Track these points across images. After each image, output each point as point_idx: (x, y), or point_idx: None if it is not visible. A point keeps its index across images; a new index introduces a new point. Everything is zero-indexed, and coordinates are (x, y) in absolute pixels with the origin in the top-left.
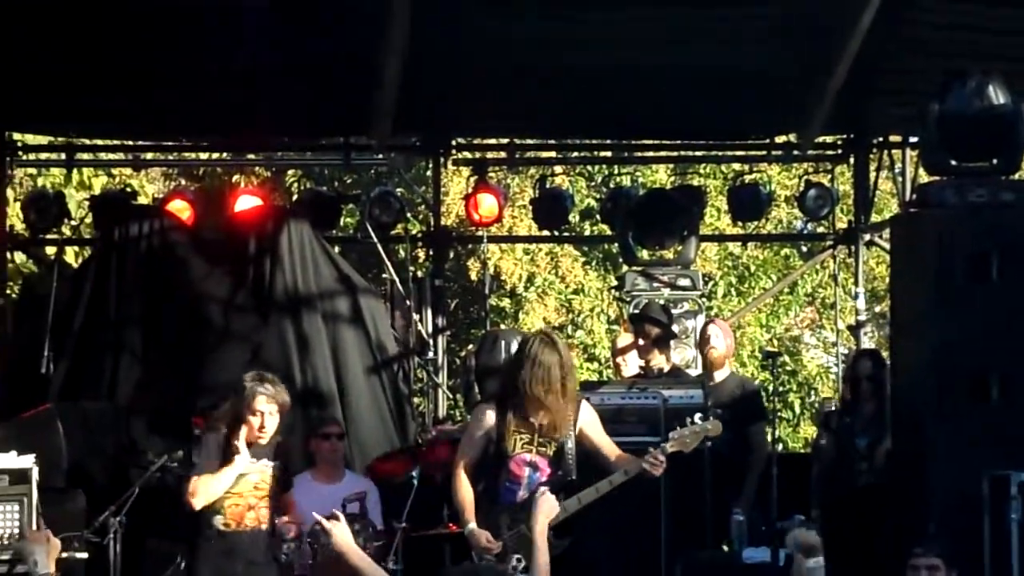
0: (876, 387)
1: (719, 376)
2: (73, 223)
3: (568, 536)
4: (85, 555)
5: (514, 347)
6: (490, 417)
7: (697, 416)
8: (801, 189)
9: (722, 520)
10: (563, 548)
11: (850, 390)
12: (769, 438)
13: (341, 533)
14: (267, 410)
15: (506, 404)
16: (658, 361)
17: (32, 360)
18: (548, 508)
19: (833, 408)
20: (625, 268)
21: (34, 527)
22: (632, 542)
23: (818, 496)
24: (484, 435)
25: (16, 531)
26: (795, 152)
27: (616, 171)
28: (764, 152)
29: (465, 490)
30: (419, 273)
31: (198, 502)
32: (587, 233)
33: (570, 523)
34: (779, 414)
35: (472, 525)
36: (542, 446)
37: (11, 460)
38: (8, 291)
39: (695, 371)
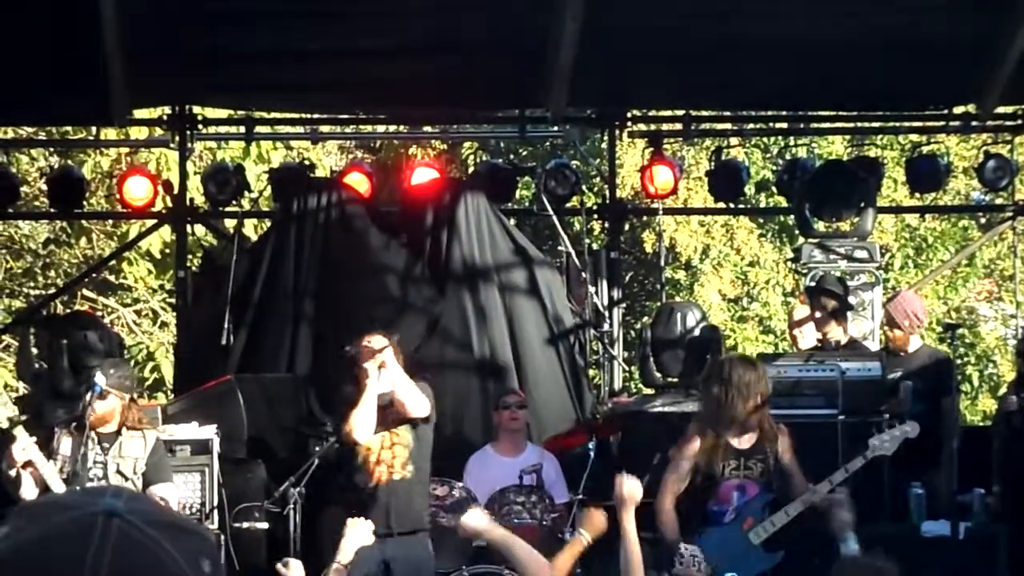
0: None
1: (911, 347)
2: (252, 196)
3: (779, 550)
4: (266, 525)
5: (690, 320)
6: (696, 444)
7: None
8: (980, 160)
9: (901, 493)
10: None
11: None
12: None
13: (471, 521)
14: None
15: (711, 430)
16: (835, 333)
17: (213, 332)
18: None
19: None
20: (801, 240)
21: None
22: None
23: (999, 471)
24: (691, 462)
25: (198, 501)
26: (974, 123)
27: (792, 142)
28: (942, 123)
29: (675, 530)
30: (594, 245)
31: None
32: (763, 205)
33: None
34: (959, 387)
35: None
36: (748, 468)
37: (193, 431)
38: (189, 264)
39: (872, 343)
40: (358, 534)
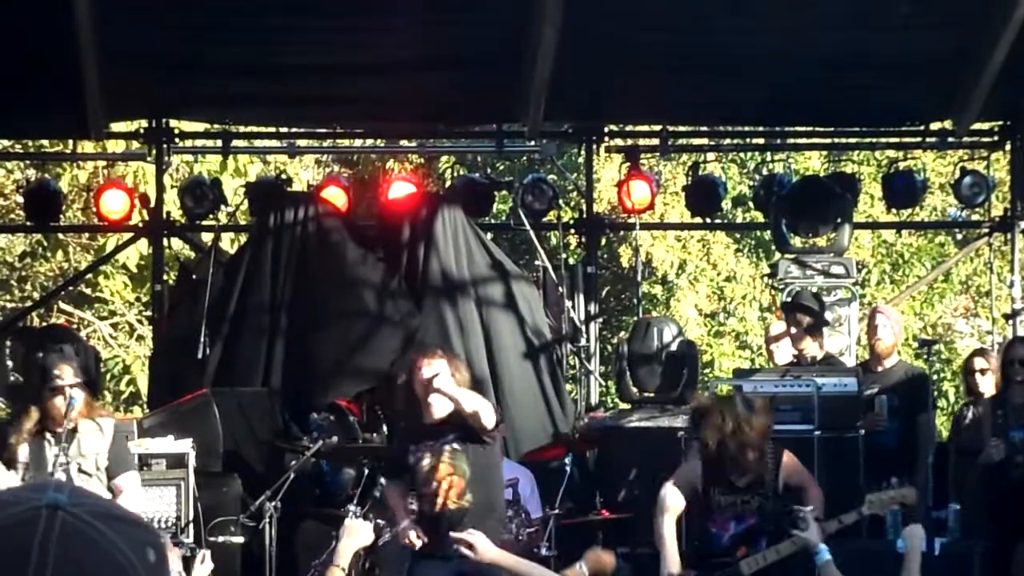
0: None
1: (888, 363)
2: (229, 210)
3: None
4: (241, 539)
5: (667, 335)
6: (696, 471)
7: (894, 480)
8: (956, 176)
9: None
10: None
11: (1001, 376)
12: None
13: (483, 546)
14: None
15: (709, 465)
16: (811, 349)
17: (189, 345)
18: None
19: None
20: (778, 255)
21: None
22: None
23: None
24: (690, 487)
25: (173, 515)
26: (950, 139)
27: (769, 158)
28: (919, 139)
29: (670, 537)
30: (571, 260)
31: None
32: (739, 220)
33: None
34: (935, 403)
35: (674, 571)
36: (746, 503)
37: (168, 445)
38: (166, 277)
39: (849, 359)
40: (356, 535)
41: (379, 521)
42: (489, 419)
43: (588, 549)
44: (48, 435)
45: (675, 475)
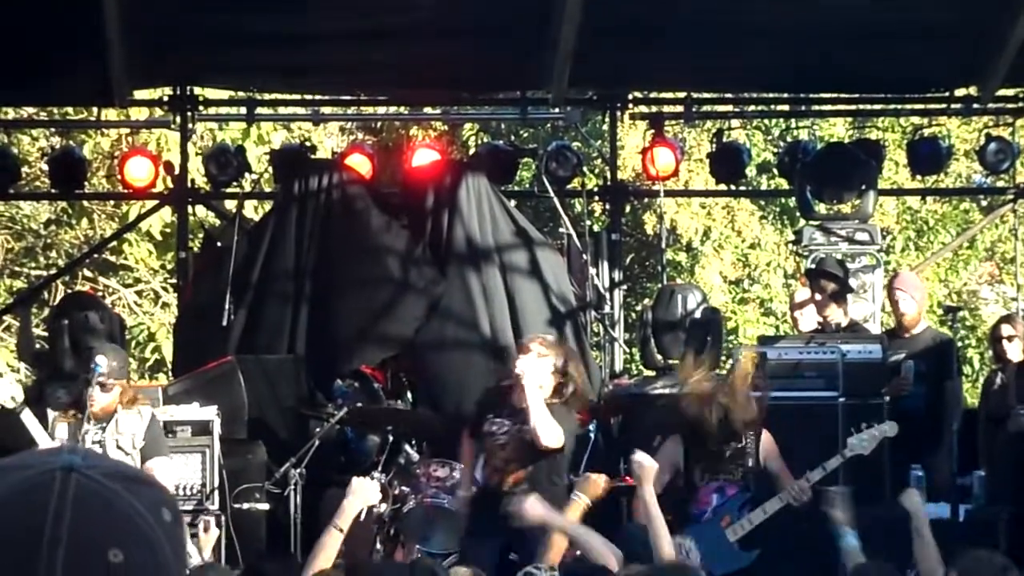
0: None
1: (915, 330)
2: (253, 177)
3: (755, 548)
4: (266, 506)
5: (691, 302)
6: (675, 448)
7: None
8: (981, 143)
9: (901, 476)
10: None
11: None
12: None
13: (533, 507)
14: None
15: (691, 436)
16: (835, 316)
17: (214, 313)
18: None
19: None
20: (803, 222)
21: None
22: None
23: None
24: (671, 465)
25: (198, 482)
26: (975, 105)
27: (793, 124)
28: (944, 105)
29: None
30: (595, 227)
31: None
32: (764, 187)
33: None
34: (961, 370)
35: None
36: (729, 472)
37: (193, 412)
38: (190, 244)
39: (873, 325)
40: (362, 494)
41: (404, 488)
42: (550, 441)
43: (578, 478)
44: (88, 415)
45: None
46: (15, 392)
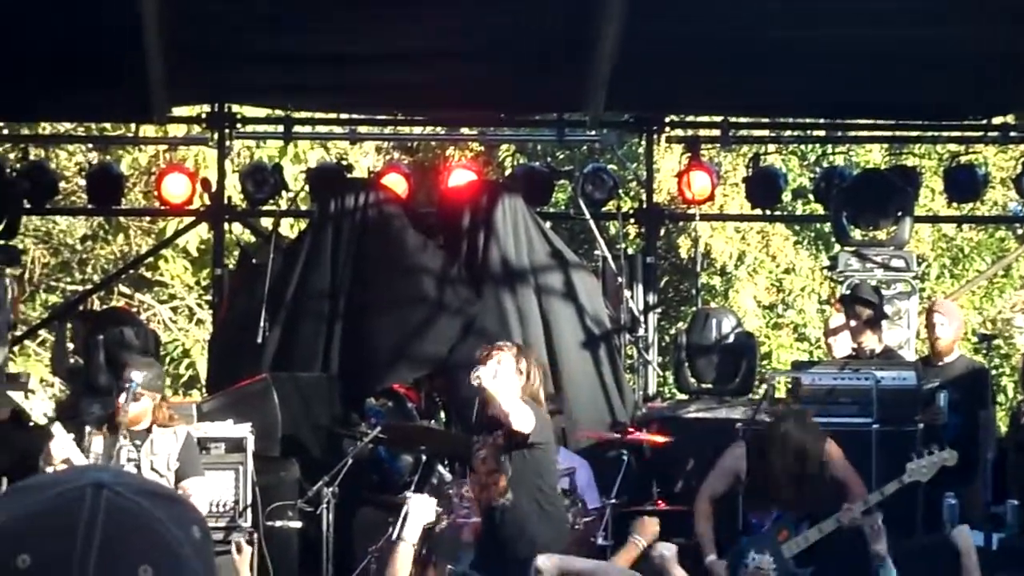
0: None
1: (948, 358)
2: (290, 195)
3: (808, 566)
4: (299, 524)
5: (725, 326)
6: (741, 456)
7: (934, 447)
8: (1017, 171)
9: (935, 503)
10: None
11: None
12: None
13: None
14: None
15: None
16: (870, 342)
17: (249, 330)
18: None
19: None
20: (838, 248)
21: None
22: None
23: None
24: (734, 473)
25: (231, 499)
26: (1012, 133)
27: (830, 150)
28: (981, 133)
29: (706, 522)
30: (630, 250)
31: None
32: (799, 212)
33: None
34: (995, 398)
35: (712, 557)
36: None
37: (227, 429)
38: (225, 261)
39: (908, 352)
40: (421, 511)
41: (437, 508)
42: (522, 425)
43: (634, 520)
44: (122, 432)
45: (718, 463)
46: (47, 408)
